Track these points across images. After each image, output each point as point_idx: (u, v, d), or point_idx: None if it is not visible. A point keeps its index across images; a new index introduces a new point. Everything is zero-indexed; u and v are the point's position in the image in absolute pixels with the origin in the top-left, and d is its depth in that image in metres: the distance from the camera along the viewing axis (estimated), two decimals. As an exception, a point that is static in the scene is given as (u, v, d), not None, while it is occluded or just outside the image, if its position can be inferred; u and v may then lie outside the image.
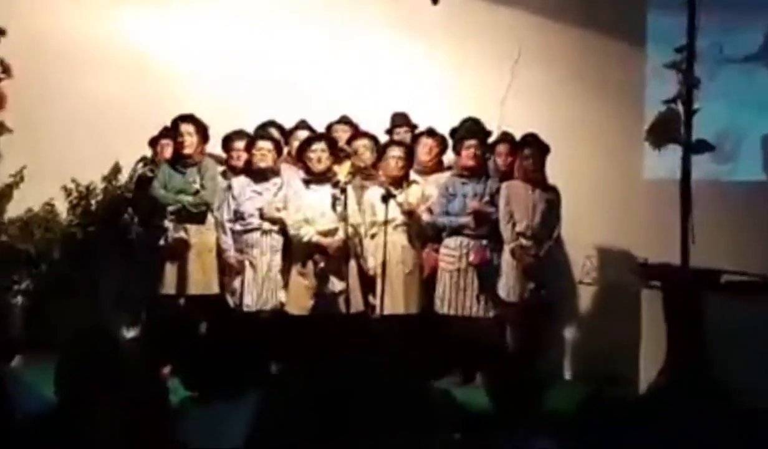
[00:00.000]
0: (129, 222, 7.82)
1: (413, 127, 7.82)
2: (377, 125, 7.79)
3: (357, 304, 7.20)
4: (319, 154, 7.27)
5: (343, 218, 7.05)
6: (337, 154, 7.43)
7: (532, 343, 7.14)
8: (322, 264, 7.18)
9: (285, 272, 7.32)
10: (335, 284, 7.16)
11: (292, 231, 7.24)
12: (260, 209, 7.32)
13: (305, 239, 7.21)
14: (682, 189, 6.76)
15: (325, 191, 7.16)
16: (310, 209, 7.23)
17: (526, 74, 7.99)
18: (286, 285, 7.31)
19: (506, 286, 7.23)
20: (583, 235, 7.67)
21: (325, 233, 7.20)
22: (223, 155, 7.72)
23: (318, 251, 7.19)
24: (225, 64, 8.16)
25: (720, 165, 7.84)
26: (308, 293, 7.20)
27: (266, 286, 7.31)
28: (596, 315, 7.92)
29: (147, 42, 8.19)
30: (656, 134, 6.95)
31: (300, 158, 7.39)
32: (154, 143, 7.84)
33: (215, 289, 7.41)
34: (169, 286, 7.34)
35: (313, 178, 7.28)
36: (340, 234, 7.15)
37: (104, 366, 3.71)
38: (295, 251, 7.30)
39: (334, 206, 7.01)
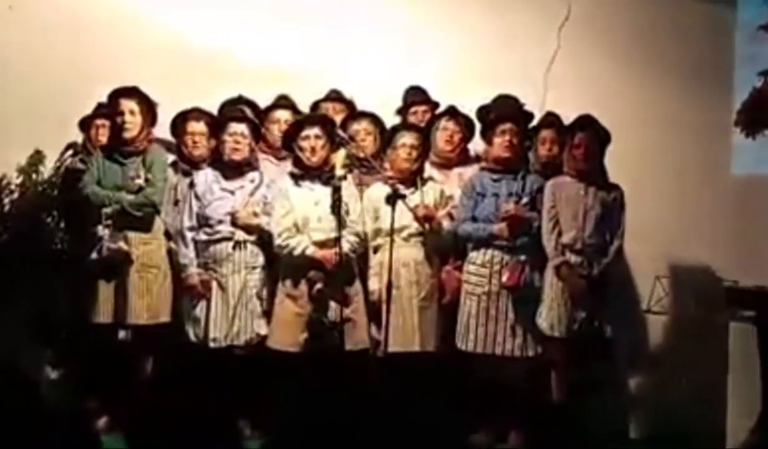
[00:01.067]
0: (54, 228, 7.71)
1: (434, 105, 7.74)
2: (380, 103, 7.73)
3: (361, 338, 7.13)
4: (313, 141, 7.15)
5: (344, 224, 6.90)
6: (332, 140, 7.29)
7: (583, 391, 7.06)
8: (319, 284, 7.04)
9: (267, 295, 7.23)
10: (336, 312, 6.99)
11: (278, 242, 7.12)
12: (232, 214, 7.22)
13: (297, 251, 7.08)
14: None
15: (321, 190, 7.04)
16: (303, 214, 7.12)
17: (579, 41, 7.94)
18: (267, 313, 7.21)
19: (549, 316, 7.11)
20: (653, 249, 7.57)
21: (323, 244, 7.07)
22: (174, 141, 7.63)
23: (313, 266, 7.06)
24: (179, 25, 8.08)
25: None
26: (300, 322, 7.07)
27: (239, 314, 7.20)
28: (670, 355, 7.78)
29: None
30: (749, 116, 7.00)
31: (286, 146, 7.31)
32: (86, 124, 7.75)
33: (165, 317, 7.30)
34: (104, 312, 7.24)
35: (305, 173, 7.19)
36: (342, 245, 6.96)
37: (15, 414, 3.69)
38: (283, 267, 7.19)
39: (334, 208, 6.80)
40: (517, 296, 7.13)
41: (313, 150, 7.14)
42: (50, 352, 7.61)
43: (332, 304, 7.00)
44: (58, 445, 3.74)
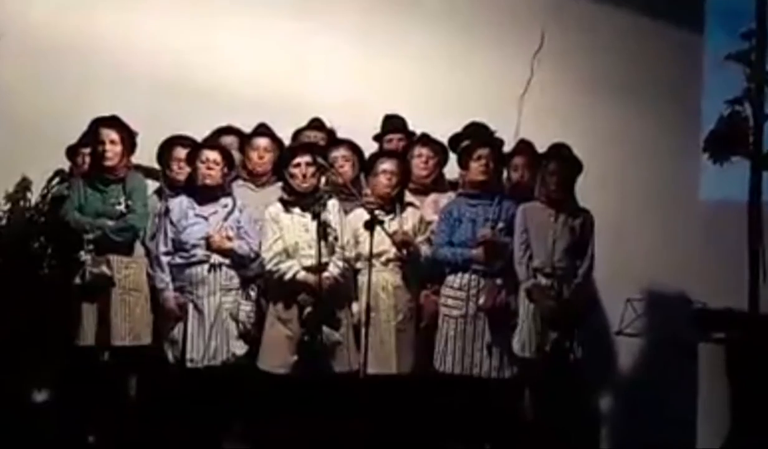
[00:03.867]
0: (41, 253, 7.76)
1: (409, 134, 7.89)
2: (359, 131, 7.84)
3: (349, 360, 7.24)
4: (304, 168, 7.32)
5: (332, 250, 7.12)
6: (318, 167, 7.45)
7: (556, 412, 7.13)
8: (309, 308, 7.18)
9: (255, 317, 7.36)
10: (331, 335, 7.17)
11: (269, 266, 7.27)
12: (207, 238, 7.35)
13: (288, 276, 7.23)
14: (750, 214, 6.81)
15: (311, 216, 7.13)
16: (293, 239, 7.26)
17: (551, 68, 8.07)
18: (244, 334, 7.33)
19: (521, 337, 7.25)
20: (623, 272, 7.71)
21: (314, 270, 7.15)
22: (157, 168, 7.77)
23: (304, 290, 7.21)
24: (160, 56, 8.25)
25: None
26: (290, 345, 7.20)
27: (215, 334, 7.31)
28: (640, 376, 7.94)
29: (66, 26, 8.25)
30: (717, 144, 7.05)
31: (278, 173, 7.46)
32: (73, 153, 7.85)
33: (146, 339, 7.42)
34: (87, 335, 7.33)
35: (296, 199, 7.33)
36: (332, 270, 7.19)
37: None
38: (273, 290, 7.32)
39: (324, 235, 7.02)
40: (493, 319, 7.24)
41: (304, 177, 7.28)
42: (34, 375, 7.63)
43: (325, 328, 7.10)
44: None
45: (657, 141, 8.00)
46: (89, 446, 7.14)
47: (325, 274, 7.15)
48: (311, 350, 7.10)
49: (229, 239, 7.35)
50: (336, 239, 7.12)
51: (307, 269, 7.18)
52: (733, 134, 7.02)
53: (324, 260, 7.12)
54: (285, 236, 7.27)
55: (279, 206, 7.36)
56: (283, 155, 7.44)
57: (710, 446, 6.88)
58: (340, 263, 7.22)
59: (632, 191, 7.98)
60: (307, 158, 7.30)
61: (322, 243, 7.02)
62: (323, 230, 6.95)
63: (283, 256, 7.25)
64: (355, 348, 7.23)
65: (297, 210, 7.29)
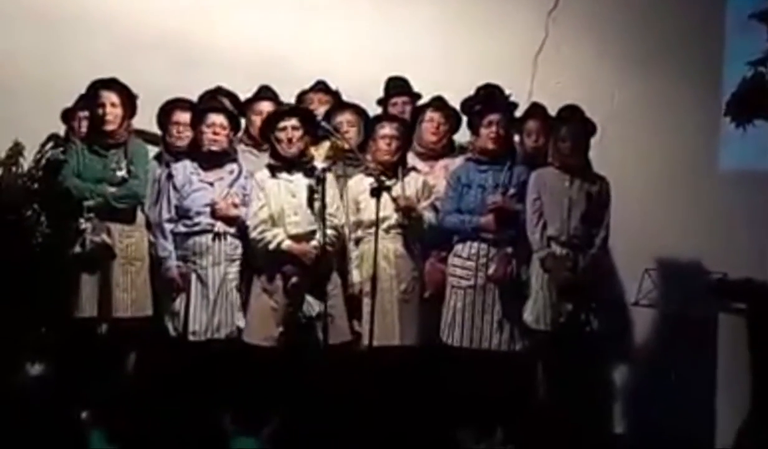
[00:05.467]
0: (34, 221, 7.72)
1: (415, 96, 7.83)
2: (366, 94, 7.82)
3: (340, 332, 7.15)
4: (290, 132, 7.25)
5: (322, 217, 6.95)
6: (314, 132, 7.38)
7: (570, 386, 7.10)
8: (294, 279, 7.13)
9: (245, 288, 7.29)
10: (312, 306, 7.08)
11: (254, 235, 7.21)
12: (211, 205, 7.29)
13: (273, 245, 7.17)
14: (773, 183, 6.84)
15: (299, 182, 7.14)
16: (279, 206, 7.21)
17: (567, 30, 8.05)
18: (245, 306, 7.27)
19: (534, 309, 7.21)
20: (640, 241, 7.67)
21: (300, 238, 7.17)
22: (158, 132, 7.69)
23: (290, 260, 7.16)
24: (160, 15, 8.19)
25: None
26: (276, 317, 7.16)
27: (219, 307, 7.26)
28: (657, 348, 7.88)
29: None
30: (739, 107, 6.96)
31: (264, 137, 7.38)
32: (69, 116, 7.80)
33: (148, 310, 7.38)
34: (87, 306, 7.27)
35: (282, 164, 7.27)
36: (319, 239, 7.06)
37: None
38: (258, 260, 7.26)
39: (311, 201, 6.92)
40: (504, 290, 7.20)
41: (290, 141, 7.22)
42: (31, 347, 7.61)
43: (309, 298, 7.06)
44: (41, 439, 3.70)
45: (677, 106, 7.93)
46: (84, 421, 7.02)
47: (312, 243, 7.09)
48: (296, 322, 7.06)
49: (235, 205, 7.30)
50: (325, 205, 6.94)
51: (293, 237, 7.14)
52: (755, 96, 6.93)
53: (311, 228, 7.07)
54: (271, 203, 7.22)
55: (266, 172, 7.31)
56: (268, 119, 7.36)
57: (730, 419, 6.88)
58: (329, 232, 7.09)
59: (651, 157, 7.92)
60: (293, 122, 7.25)
61: (309, 211, 6.95)
62: (310, 196, 6.85)
63: (269, 224, 7.21)
64: (347, 319, 7.20)
65: (284, 175, 7.24)
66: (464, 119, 7.64)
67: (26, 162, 7.84)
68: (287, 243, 7.15)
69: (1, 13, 8.09)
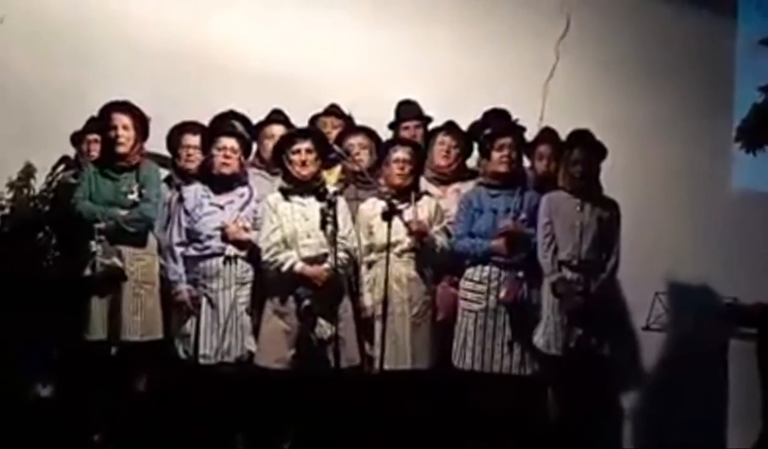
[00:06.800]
0: (46, 243, 7.72)
1: (426, 120, 7.85)
2: (377, 118, 7.83)
3: (351, 355, 7.17)
4: (303, 155, 7.25)
5: (333, 240, 6.98)
6: (326, 155, 7.41)
7: (581, 410, 7.11)
8: (307, 301, 7.12)
9: (256, 311, 7.28)
10: (324, 329, 7.10)
11: (266, 257, 7.21)
12: (222, 229, 7.30)
13: (285, 267, 7.16)
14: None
15: (312, 205, 7.12)
16: (292, 229, 7.20)
17: (577, 55, 8.06)
18: (257, 330, 7.27)
19: (546, 333, 7.21)
20: (651, 265, 7.68)
21: (312, 260, 7.16)
22: (168, 155, 7.72)
23: (302, 283, 7.15)
24: (172, 37, 8.22)
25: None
26: (288, 339, 7.15)
27: (230, 330, 7.27)
28: (668, 372, 7.88)
29: (74, 6, 8.25)
30: (750, 133, 6.99)
31: (277, 159, 7.39)
32: (78, 139, 7.85)
33: (159, 333, 7.39)
34: (97, 329, 7.28)
35: (295, 187, 7.27)
36: (331, 261, 7.08)
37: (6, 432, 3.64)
38: (270, 283, 7.26)
39: (323, 224, 6.94)
40: (514, 313, 7.20)
41: (303, 164, 7.21)
42: (41, 370, 7.60)
43: (321, 321, 7.07)
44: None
45: (687, 129, 7.95)
46: (95, 444, 7.07)
47: (324, 266, 7.11)
48: (309, 345, 7.06)
49: (246, 229, 7.31)
50: (336, 229, 6.94)
51: (305, 260, 7.13)
52: (766, 122, 6.96)
53: (323, 251, 7.09)
54: (284, 225, 7.21)
55: (278, 194, 7.30)
56: (281, 141, 7.36)
57: (741, 442, 6.90)
58: (341, 254, 7.07)
59: (661, 180, 7.94)
60: (306, 145, 7.24)
61: (321, 234, 6.97)
62: (322, 220, 6.85)
63: (281, 246, 7.19)
64: (358, 342, 7.21)
65: (297, 198, 7.24)
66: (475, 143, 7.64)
67: (37, 184, 7.85)
68: (300, 265, 7.13)
69: (14, 35, 8.14)
